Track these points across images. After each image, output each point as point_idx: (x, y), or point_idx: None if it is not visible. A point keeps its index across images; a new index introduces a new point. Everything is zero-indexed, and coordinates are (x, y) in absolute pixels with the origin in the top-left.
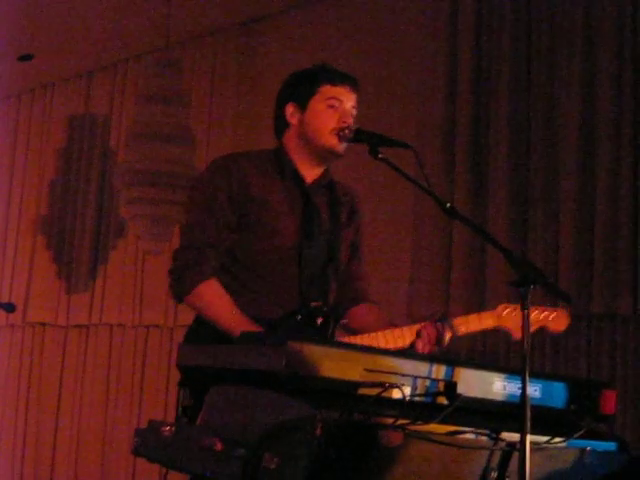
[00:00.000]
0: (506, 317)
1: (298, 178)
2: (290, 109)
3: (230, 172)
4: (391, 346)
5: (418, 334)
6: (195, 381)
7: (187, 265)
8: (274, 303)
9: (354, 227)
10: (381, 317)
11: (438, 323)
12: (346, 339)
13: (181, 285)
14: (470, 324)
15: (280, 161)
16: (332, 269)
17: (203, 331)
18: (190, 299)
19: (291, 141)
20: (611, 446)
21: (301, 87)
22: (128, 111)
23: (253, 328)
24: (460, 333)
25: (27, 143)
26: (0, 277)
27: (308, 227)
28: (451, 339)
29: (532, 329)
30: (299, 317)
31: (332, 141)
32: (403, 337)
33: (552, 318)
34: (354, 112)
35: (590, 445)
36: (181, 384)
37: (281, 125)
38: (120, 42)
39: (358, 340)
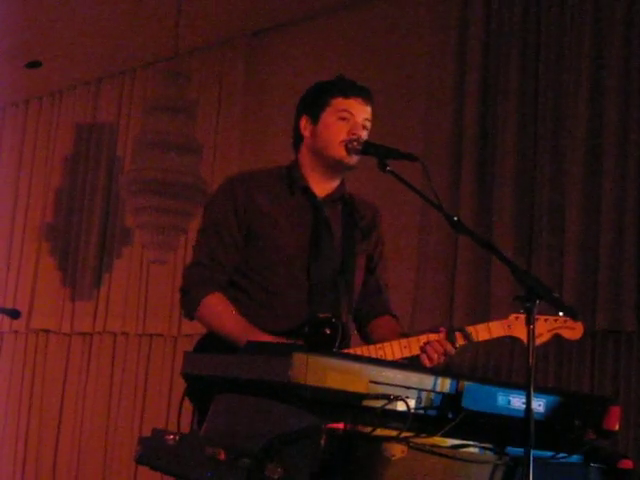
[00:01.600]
0: (518, 326)
1: (308, 192)
2: (303, 122)
3: (236, 191)
4: (397, 356)
5: (422, 350)
6: (200, 390)
7: (194, 282)
8: (284, 316)
9: (374, 240)
10: (394, 329)
11: (442, 335)
12: (352, 350)
13: (189, 301)
14: (480, 333)
15: (291, 177)
16: (343, 281)
17: (212, 343)
18: (198, 313)
19: (304, 154)
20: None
21: (314, 100)
22: (135, 120)
23: (260, 336)
24: (475, 341)
25: (34, 150)
26: (5, 283)
27: (317, 240)
28: (464, 348)
29: (547, 337)
30: (306, 329)
31: (341, 152)
32: (409, 347)
33: (566, 326)
34: (367, 124)
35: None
36: (188, 394)
37: (297, 138)
38: (128, 51)
39: (364, 350)
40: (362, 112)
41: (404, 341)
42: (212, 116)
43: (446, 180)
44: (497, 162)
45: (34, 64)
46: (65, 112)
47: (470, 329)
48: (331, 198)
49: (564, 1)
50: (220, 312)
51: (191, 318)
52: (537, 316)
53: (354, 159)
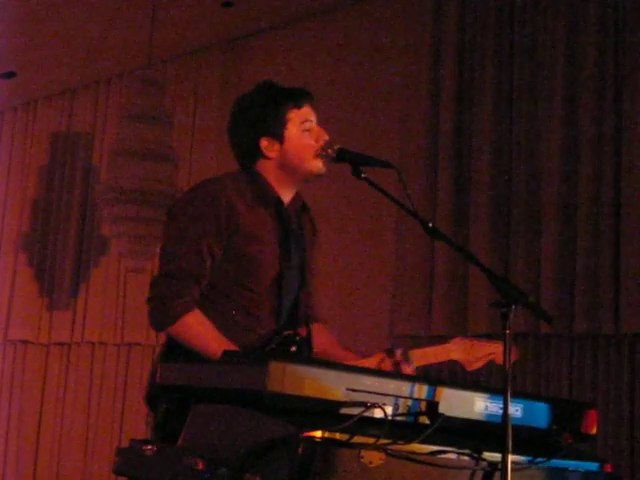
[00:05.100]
0: (459, 350)
1: (280, 206)
2: (265, 143)
3: (219, 202)
4: None
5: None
6: (175, 399)
7: (170, 295)
8: (252, 331)
9: (316, 245)
10: (330, 337)
11: (397, 354)
12: None
13: (164, 315)
14: (429, 356)
15: (261, 188)
16: (303, 294)
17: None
18: (175, 329)
19: (267, 169)
20: (593, 466)
21: (269, 119)
22: (111, 129)
23: None
24: (419, 364)
25: (9, 160)
26: None
27: (286, 255)
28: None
29: (483, 362)
30: (273, 346)
31: (317, 165)
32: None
33: (500, 350)
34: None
35: (572, 465)
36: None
37: (252, 156)
38: (103, 60)
39: None
40: (314, 116)
41: (362, 362)
42: (188, 124)
43: (422, 186)
44: (473, 168)
45: (8, 74)
46: (40, 122)
47: (411, 353)
48: (293, 207)
49: (536, 18)
50: (201, 332)
51: (160, 330)
52: (473, 341)
53: (326, 167)
